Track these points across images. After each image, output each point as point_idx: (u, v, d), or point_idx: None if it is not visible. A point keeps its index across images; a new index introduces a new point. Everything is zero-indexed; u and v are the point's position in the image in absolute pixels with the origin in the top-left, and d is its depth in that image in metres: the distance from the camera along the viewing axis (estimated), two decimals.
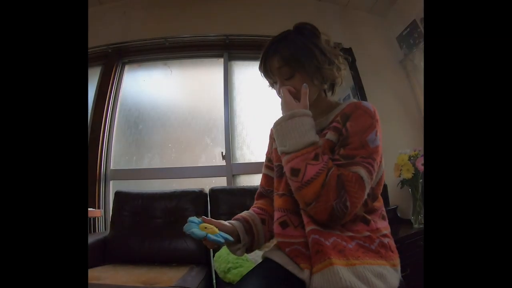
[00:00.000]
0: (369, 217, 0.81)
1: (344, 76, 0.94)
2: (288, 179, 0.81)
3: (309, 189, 0.75)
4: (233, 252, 0.89)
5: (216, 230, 0.79)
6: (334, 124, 0.85)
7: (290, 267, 0.79)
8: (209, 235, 0.76)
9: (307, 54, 0.87)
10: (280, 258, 0.83)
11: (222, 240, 0.78)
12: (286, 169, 0.80)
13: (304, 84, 0.86)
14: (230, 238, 0.81)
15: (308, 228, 0.79)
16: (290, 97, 0.85)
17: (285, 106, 0.84)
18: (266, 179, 1.03)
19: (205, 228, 0.78)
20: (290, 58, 0.87)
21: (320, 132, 0.87)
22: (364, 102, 0.84)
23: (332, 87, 0.96)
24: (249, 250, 0.93)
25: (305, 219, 0.80)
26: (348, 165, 0.76)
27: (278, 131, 0.83)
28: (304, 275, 0.75)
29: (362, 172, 0.75)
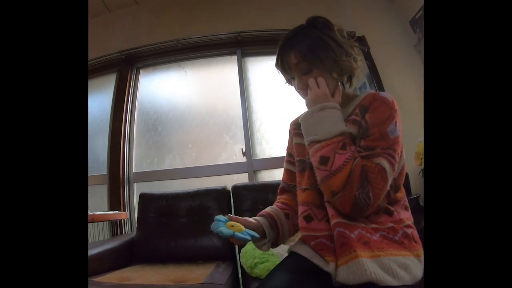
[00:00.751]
0: (392, 208, 0.81)
1: (361, 67, 0.93)
2: (315, 169, 0.82)
3: (337, 178, 0.75)
4: (259, 248, 0.90)
5: (242, 227, 0.81)
6: (353, 117, 0.85)
7: (316, 260, 0.80)
8: (236, 233, 0.77)
9: (323, 47, 0.86)
10: (305, 251, 0.84)
11: (249, 238, 0.79)
12: (315, 158, 0.81)
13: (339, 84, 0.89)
14: (256, 234, 0.82)
15: (333, 221, 0.79)
16: (327, 89, 0.86)
17: (322, 96, 0.84)
18: (288, 173, 1.04)
19: (232, 226, 0.79)
20: (307, 52, 0.86)
21: None
22: (382, 93, 0.84)
23: (350, 79, 0.95)
24: (274, 244, 0.94)
25: (330, 212, 0.81)
26: (370, 156, 0.77)
27: (309, 121, 0.84)
28: (329, 268, 0.76)
29: (385, 163, 0.75)
